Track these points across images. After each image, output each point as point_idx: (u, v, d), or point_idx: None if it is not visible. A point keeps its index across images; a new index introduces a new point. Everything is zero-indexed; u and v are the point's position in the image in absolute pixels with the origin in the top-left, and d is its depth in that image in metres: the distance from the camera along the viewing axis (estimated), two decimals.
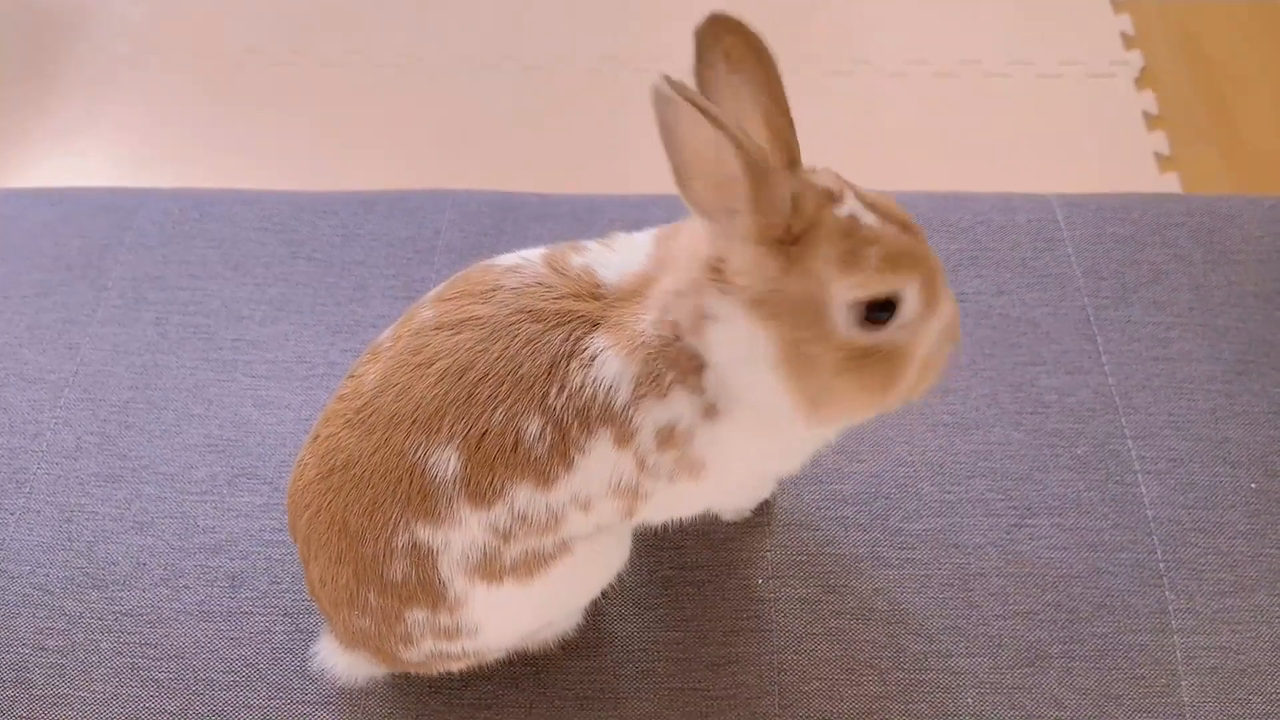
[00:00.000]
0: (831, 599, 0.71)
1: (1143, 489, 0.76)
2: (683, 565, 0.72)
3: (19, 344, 0.82)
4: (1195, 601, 0.71)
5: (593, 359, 0.54)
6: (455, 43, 1.83)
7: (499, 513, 0.55)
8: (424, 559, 0.56)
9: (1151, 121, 1.71)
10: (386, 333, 0.61)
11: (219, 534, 0.73)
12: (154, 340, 0.82)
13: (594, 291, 0.56)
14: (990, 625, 0.71)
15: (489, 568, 0.56)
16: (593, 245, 0.60)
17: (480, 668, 0.68)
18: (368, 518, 0.56)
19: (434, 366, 0.55)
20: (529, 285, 0.56)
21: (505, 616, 0.60)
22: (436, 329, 0.56)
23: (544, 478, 0.54)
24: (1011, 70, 1.77)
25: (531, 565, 0.57)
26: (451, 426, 0.54)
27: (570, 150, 1.69)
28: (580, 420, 0.53)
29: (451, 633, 0.59)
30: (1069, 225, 0.91)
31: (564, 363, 0.54)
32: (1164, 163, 1.66)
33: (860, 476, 0.76)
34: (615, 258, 0.58)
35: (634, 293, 0.56)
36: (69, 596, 0.71)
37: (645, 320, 0.54)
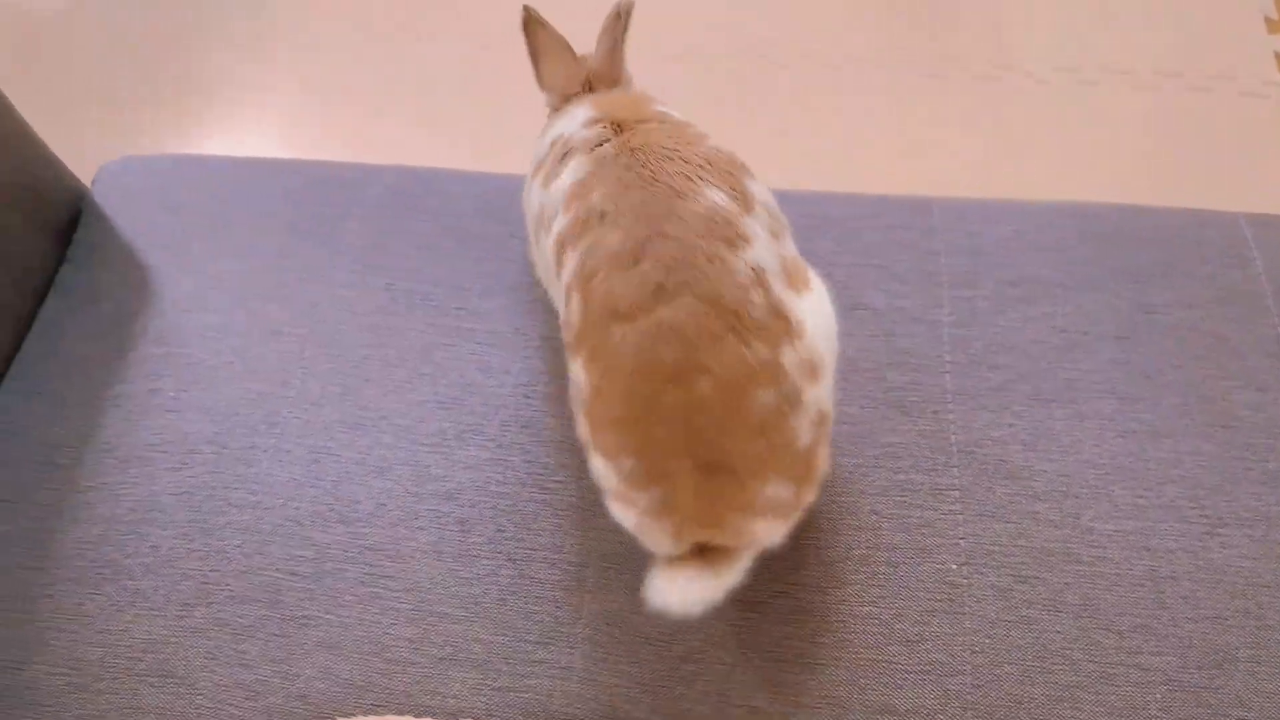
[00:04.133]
0: (1024, 589, 0.74)
1: None
2: (877, 545, 0.76)
3: (265, 299, 0.90)
4: None
5: None
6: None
7: (759, 213, 0.68)
8: (761, 282, 0.64)
9: None
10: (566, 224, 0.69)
11: (449, 482, 0.80)
12: (385, 304, 0.90)
13: None
14: (1180, 626, 0.73)
15: (787, 276, 0.66)
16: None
17: (682, 620, 0.74)
18: (714, 303, 0.62)
19: (646, 174, 0.67)
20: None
21: (823, 333, 0.68)
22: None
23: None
24: (1159, 82, 1.75)
25: (796, 271, 0.68)
26: (700, 173, 0.67)
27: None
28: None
29: (813, 369, 0.65)
30: (1259, 245, 0.92)
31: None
32: None
33: (1050, 475, 0.79)
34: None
35: None
36: (317, 529, 0.79)
37: None
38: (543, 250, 0.76)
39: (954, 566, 0.75)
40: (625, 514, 0.67)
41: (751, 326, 0.62)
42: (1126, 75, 1.76)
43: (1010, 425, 0.81)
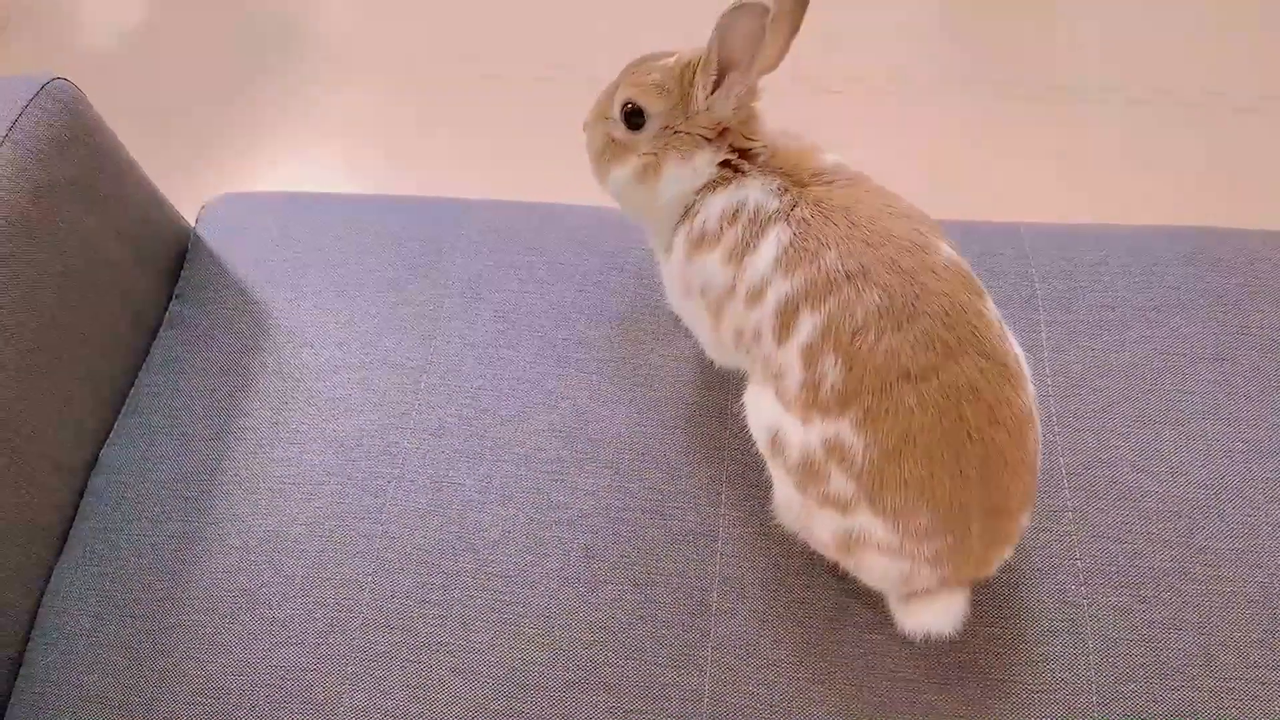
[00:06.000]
0: (1143, 608, 0.76)
1: None
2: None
3: (379, 333, 0.93)
4: None
5: None
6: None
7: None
8: (1004, 332, 0.69)
9: None
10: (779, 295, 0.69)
11: (571, 510, 0.82)
12: (495, 335, 0.92)
13: None
14: None
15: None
16: None
17: (808, 643, 0.76)
18: (991, 357, 0.65)
19: (881, 229, 0.68)
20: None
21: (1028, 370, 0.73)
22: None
23: None
24: (1206, 101, 1.77)
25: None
26: (923, 227, 0.69)
27: None
28: None
29: (1035, 403, 0.70)
30: None
31: None
32: None
33: (1161, 495, 0.81)
34: None
35: None
36: (446, 557, 0.81)
37: None
38: (733, 322, 0.74)
39: (1073, 587, 0.77)
40: (892, 564, 0.69)
41: (1015, 375, 0.66)
42: (1170, 95, 1.78)
43: (1117, 447, 0.83)
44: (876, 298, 0.65)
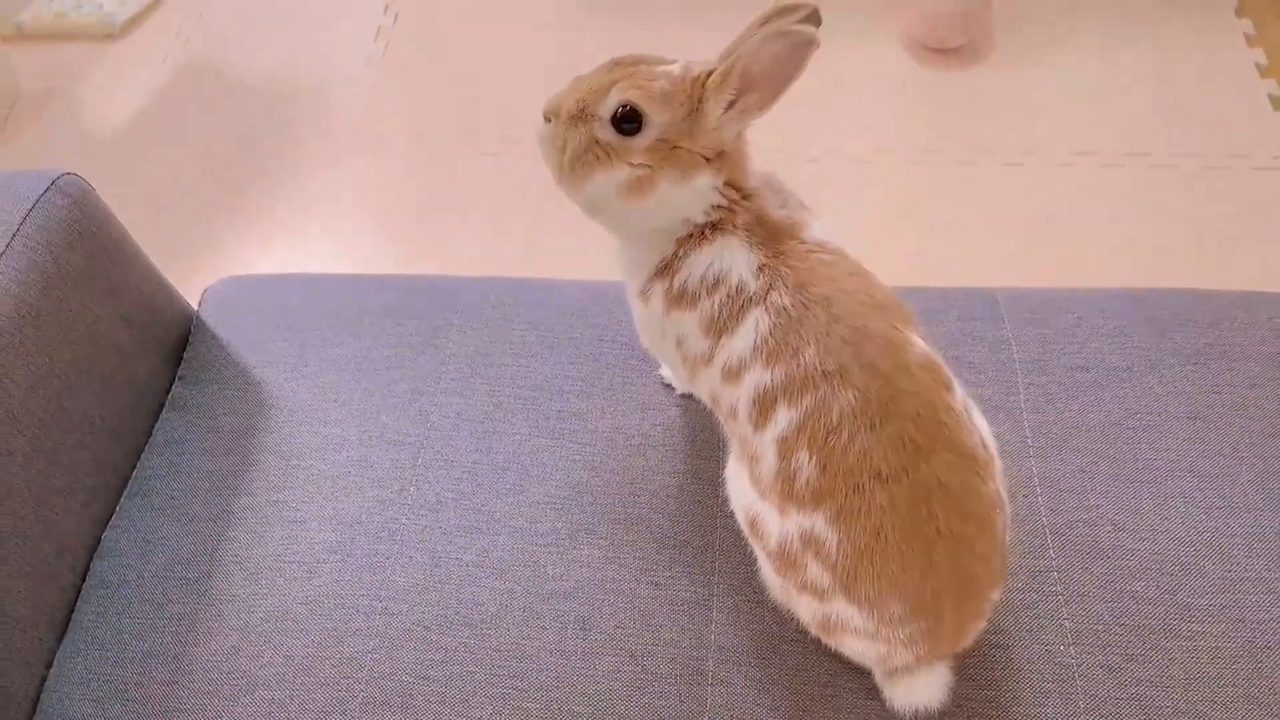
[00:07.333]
0: (1130, 666, 0.77)
1: None
2: (987, 629, 0.79)
3: (377, 410, 0.95)
4: None
5: None
6: None
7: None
8: (972, 422, 0.70)
9: None
10: (753, 384, 0.69)
11: (567, 581, 0.84)
12: (490, 410, 0.94)
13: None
14: (1279, 692, 0.76)
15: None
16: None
17: (804, 710, 0.77)
18: (961, 453, 0.67)
19: (859, 326, 0.68)
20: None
21: (995, 446, 0.75)
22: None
23: None
24: (1178, 162, 1.84)
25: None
26: (897, 321, 0.69)
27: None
28: None
29: (1003, 480, 0.72)
30: None
31: None
32: None
33: (1143, 554, 0.83)
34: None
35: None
36: (444, 633, 0.82)
37: None
38: (708, 385, 0.75)
39: (1062, 648, 0.78)
40: (870, 646, 0.72)
41: (983, 465, 0.68)
42: (1143, 157, 1.85)
43: (1098, 506, 0.85)
44: (852, 398, 0.65)
